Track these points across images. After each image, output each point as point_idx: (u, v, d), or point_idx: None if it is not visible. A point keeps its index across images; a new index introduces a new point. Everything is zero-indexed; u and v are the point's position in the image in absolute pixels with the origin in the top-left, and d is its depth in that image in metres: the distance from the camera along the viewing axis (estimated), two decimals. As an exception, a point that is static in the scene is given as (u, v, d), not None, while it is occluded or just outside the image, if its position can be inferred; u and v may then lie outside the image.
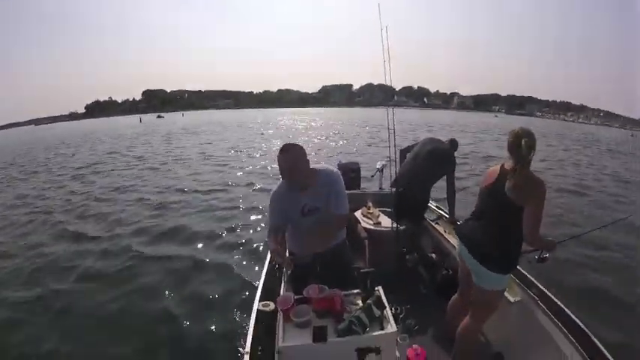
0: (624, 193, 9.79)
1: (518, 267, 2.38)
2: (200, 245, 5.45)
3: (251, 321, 1.93)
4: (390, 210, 3.66)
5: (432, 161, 3.42)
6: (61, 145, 23.79)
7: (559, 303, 2.19)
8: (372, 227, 3.33)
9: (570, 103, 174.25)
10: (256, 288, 2.37)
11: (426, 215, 3.79)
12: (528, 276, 2.43)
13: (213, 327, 3.40)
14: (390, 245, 3.25)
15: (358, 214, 3.61)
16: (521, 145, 1.83)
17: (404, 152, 3.85)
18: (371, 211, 3.64)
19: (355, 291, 1.90)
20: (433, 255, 3.56)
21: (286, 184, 1.99)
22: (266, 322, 1.85)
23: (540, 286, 2.34)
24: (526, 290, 2.36)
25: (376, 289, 1.86)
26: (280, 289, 2.31)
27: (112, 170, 12.23)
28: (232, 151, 16.28)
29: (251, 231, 5.98)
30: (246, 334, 1.90)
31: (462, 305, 2.39)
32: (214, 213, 7.10)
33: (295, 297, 1.79)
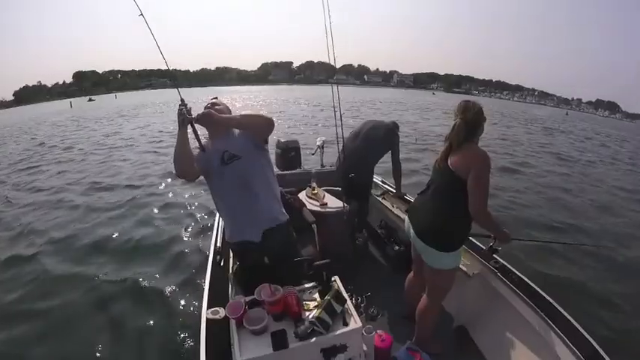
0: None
1: (474, 240, 2.40)
2: (123, 249, 4.66)
3: (201, 333, 1.69)
4: (335, 188, 3.56)
5: (373, 139, 3.36)
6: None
7: (518, 273, 2.21)
8: (319, 209, 3.15)
9: (506, 82, 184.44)
10: (202, 293, 2.09)
11: (372, 191, 3.73)
12: (485, 249, 2.39)
13: (156, 343, 2.93)
14: (340, 226, 3.12)
15: (302, 196, 3.40)
16: (466, 119, 1.83)
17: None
18: (315, 191, 3.45)
19: (310, 284, 1.76)
20: (382, 231, 3.52)
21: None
22: (218, 331, 1.64)
23: (498, 258, 2.34)
24: (484, 263, 2.36)
25: (333, 279, 1.74)
26: (229, 291, 2.10)
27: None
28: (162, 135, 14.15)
29: (184, 227, 5.25)
30: (197, 350, 1.65)
31: (418, 284, 2.35)
32: (136, 210, 6.06)
33: (246, 299, 1.61)
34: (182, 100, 1.73)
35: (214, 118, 1.73)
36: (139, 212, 5.91)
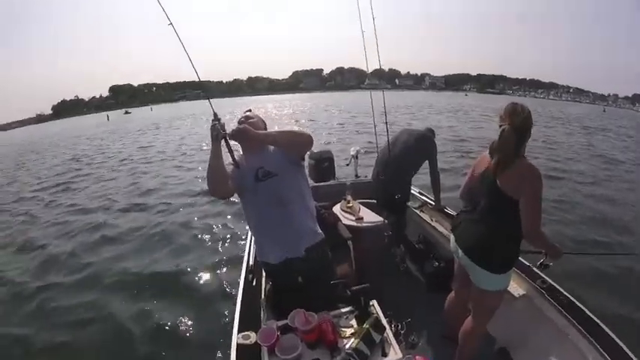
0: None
1: (521, 259, 2.22)
2: (160, 265, 4.62)
3: (231, 358, 1.63)
4: (371, 201, 3.45)
5: (409, 149, 3.22)
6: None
7: (569, 296, 2.04)
8: (355, 224, 3.03)
9: (540, 80, 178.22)
10: (233, 315, 2.02)
11: (409, 203, 3.57)
12: (532, 267, 2.25)
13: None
14: (377, 242, 3.02)
15: (337, 209, 3.29)
16: (515, 125, 1.65)
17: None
18: (350, 204, 3.32)
19: (346, 309, 1.65)
20: (420, 246, 3.37)
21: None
22: (248, 357, 1.56)
23: (547, 279, 2.18)
24: (531, 283, 2.20)
25: (371, 304, 1.63)
26: (261, 314, 2.01)
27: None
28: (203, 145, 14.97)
29: (220, 245, 5.14)
30: None
31: (459, 304, 2.24)
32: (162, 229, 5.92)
33: (279, 324, 1.53)
34: (215, 114, 1.67)
35: (250, 134, 1.65)
36: (167, 231, 5.77)
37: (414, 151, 3.22)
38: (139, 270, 4.50)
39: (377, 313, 1.58)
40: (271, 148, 1.84)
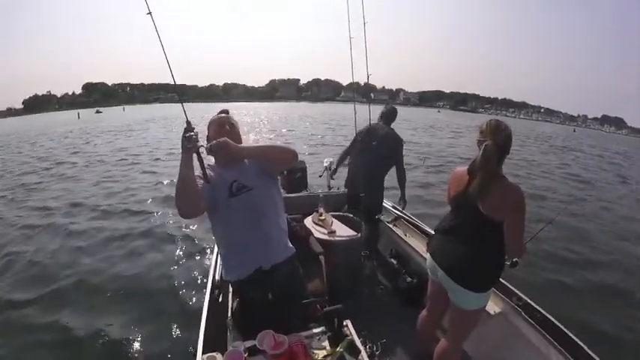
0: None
1: None
2: (119, 276, 4.23)
3: None
4: (344, 214, 3.40)
5: (382, 151, 3.29)
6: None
7: (545, 313, 2.03)
8: (327, 237, 2.94)
9: (511, 100, 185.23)
10: (197, 335, 1.85)
11: (382, 217, 3.54)
12: (507, 285, 2.24)
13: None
14: (349, 257, 2.95)
15: (309, 222, 3.17)
16: (498, 142, 1.61)
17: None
18: (323, 217, 3.23)
19: (319, 329, 1.56)
20: (393, 260, 3.33)
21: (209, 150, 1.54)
22: None
23: (522, 295, 2.17)
24: (507, 301, 2.18)
25: (345, 324, 1.55)
26: (227, 335, 1.90)
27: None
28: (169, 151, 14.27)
29: (185, 258, 4.74)
30: None
31: (432, 322, 2.20)
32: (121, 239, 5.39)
33: (246, 345, 1.42)
34: (188, 122, 1.43)
35: (231, 149, 1.49)
36: (126, 242, 5.28)
37: (388, 151, 3.34)
38: (97, 281, 4.14)
39: (351, 334, 1.50)
40: (247, 160, 1.74)
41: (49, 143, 19.17)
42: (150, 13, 1.56)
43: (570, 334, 1.86)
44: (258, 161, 1.70)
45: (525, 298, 2.16)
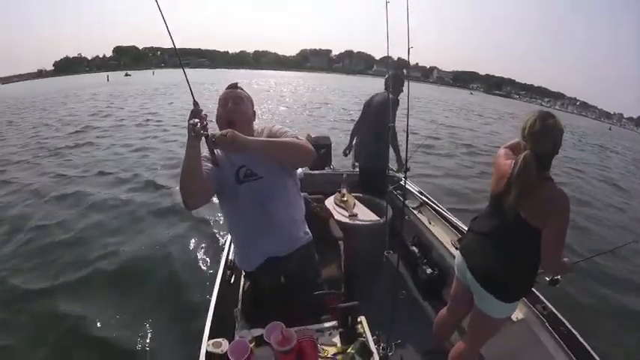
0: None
1: None
2: (128, 252, 4.07)
3: None
4: (367, 196, 3.28)
5: (377, 115, 3.27)
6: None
7: (570, 327, 1.87)
8: (348, 220, 2.83)
9: (548, 89, 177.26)
10: (204, 320, 1.74)
11: (408, 202, 3.39)
12: (534, 291, 2.08)
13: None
14: (369, 243, 2.76)
15: (330, 202, 3.03)
16: (540, 150, 1.45)
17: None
18: (345, 198, 3.09)
19: (330, 324, 1.47)
20: (414, 249, 3.19)
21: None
22: None
23: (547, 304, 2.01)
24: (531, 308, 2.03)
25: (359, 320, 1.45)
26: (236, 320, 1.83)
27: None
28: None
29: (200, 238, 4.52)
30: None
31: (450, 323, 2.10)
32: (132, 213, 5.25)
33: (254, 334, 1.35)
34: (195, 102, 1.30)
35: (238, 143, 1.25)
36: (137, 216, 5.13)
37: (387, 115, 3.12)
38: (103, 252, 4.10)
39: (364, 333, 1.41)
40: None
41: (77, 105, 19.55)
42: None
43: (595, 355, 1.71)
44: None
45: (551, 307, 2.00)
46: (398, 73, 3.44)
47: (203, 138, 1.26)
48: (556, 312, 1.97)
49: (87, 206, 5.41)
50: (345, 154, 3.99)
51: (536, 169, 1.43)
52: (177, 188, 1.37)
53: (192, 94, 1.38)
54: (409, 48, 2.37)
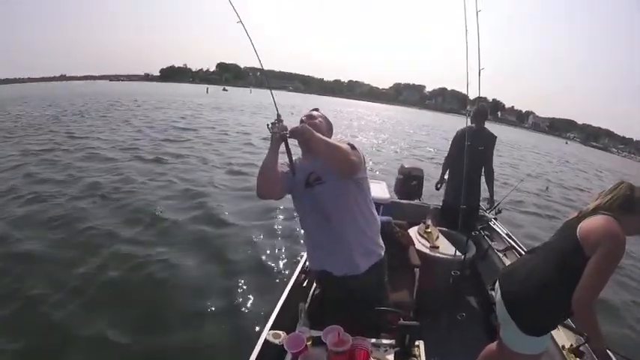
0: None
1: None
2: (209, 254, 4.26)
3: (254, 352, 1.53)
4: (452, 232, 3.20)
5: (475, 150, 3.07)
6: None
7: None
8: (428, 251, 2.82)
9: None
10: (271, 312, 1.90)
11: (494, 244, 3.29)
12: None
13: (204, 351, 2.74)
14: (446, 277, 2.63)
15: (414, 232, 3.05)
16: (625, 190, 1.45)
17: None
18: (429, 230, 3.09)
19: (388, 341, 1.47)
20: (493, 293, 3.01)
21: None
22: (272, 356, 1.46)
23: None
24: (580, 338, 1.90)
25: (417, 344, 1.44)
26: (299, 319, 1.88)
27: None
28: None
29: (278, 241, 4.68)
30: None
31: (497, 356, 1.93)
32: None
33: (312, 333, 1.42)
34: (278, 115, 1.54)
35: (307, 134, 1.42)
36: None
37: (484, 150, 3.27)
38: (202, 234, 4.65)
39: (419, 357, 1.39)
40: None
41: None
42: (240, 21, 1.80)
43: None
44: None
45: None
46: (483, 105, 3.46)
47: (284, 145, 1.54)
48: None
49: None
50: (437, 188, 3.96)
51: (622, 200, 1.46)
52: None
53: (276, 108, 1.62)
54: (480, 70, 2.42)
